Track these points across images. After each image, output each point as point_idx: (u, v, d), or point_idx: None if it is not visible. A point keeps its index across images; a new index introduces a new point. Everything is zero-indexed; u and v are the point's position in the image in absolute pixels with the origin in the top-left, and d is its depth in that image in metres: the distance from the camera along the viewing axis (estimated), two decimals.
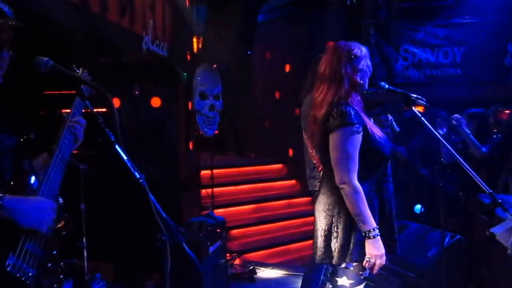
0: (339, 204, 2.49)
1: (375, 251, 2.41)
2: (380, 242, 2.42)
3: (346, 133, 2.42)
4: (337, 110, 2.45)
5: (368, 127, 2.49)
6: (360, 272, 2.53)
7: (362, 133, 2.45)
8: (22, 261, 1.57)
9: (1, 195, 1.55)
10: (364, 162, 2.46)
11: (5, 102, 1.80)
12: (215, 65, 7.12)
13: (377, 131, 2.54)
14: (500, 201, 2.50)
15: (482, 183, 2.50)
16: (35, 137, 1.82)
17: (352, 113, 2.43)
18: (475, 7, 7.66)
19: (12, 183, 1.66)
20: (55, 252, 1.75)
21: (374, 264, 2.43)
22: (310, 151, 3.78)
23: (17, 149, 1.73)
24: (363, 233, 2.41)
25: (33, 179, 1.78)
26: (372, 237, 2.40)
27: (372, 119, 2.72)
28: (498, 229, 2.81)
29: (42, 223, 1.65)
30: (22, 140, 1.76)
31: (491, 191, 2.51)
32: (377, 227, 2.42)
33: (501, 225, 2.82)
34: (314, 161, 3.74)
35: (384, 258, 2.44)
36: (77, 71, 2.12)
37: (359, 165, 2.44)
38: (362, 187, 2.44)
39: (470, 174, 2.53)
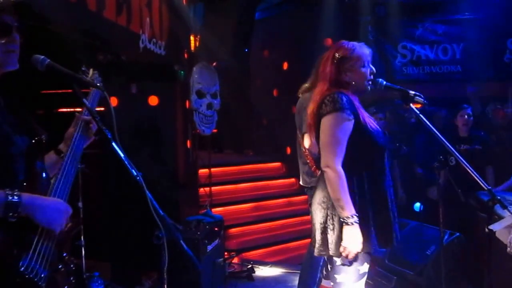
0: None
1: (352, 238, 2.42)
2: (358, 230, 2.42)
3: (337, 118, 2.46)
4: (329, 97, 2.50)
5: (360, 116, 2.50)
6: (358, 268, 2.53)
7: (353, 121, 2.47)
8: (35, 262, 1.58)
9: (19, 193, 1.56)
10: (358, 151, 2.49)
11: (17, 102, 1.79)
12: (214, 63, 7.09)
13: (370, 122, 2.54)
14: (499, 198, 2.49)
15: (481, 180, 2.50)
16: (47, 138, 1.82)
17: (344, 99, 2.48)
18: (474, 3, 7.65)
19: (25, 184, 1.66)
20: (65, 254, 1.75)
21: (351, 251, 2.43)
22: (303, 149, 3.79)
23: (29, 151, 1.72)
24: (341, 219, 2.42)
25: (43, 177, 1.78)
26: (349, 223, 2.41)
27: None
28: (497, 226, 2.80)
29: (57, 224, 1.66)
30: (34, 141, 1.75)
31: (489, 187, 2.50)
32: (356, 214, 2.42)
33: (500, 222, 2.81)
34: (308, 160, 3.76)
35: (361, 246, 2.43)
36: (87, 72, 2.14)
37: (353, 155, 2.47)
38: (356, 178, 2.48)
39: (469, 171, 2.53)
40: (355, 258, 2.46)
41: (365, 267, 2.56)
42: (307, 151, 3.75)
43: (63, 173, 1.79)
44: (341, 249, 2.44)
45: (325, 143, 2.50)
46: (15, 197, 1.54)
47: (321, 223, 2.55)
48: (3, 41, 1.68)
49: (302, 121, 3.73)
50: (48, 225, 1.63)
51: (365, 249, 2.47)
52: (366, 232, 2.46)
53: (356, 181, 2.49)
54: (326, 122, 2.50)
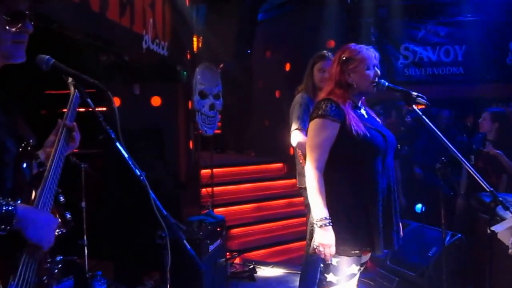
0: None
1: (322, 239, 2.46)
2: (328, 233, 2.45)
3: (317, 124, 2.55)
4: (318, 104, 2.60)
5: (347, 121, 2.51)
6: (346, 269, 2.54)
7: (337, 127, 2.51)
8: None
9: (14, 203, 1.42)
10: (344, 155, 2.53)
11: (10, 99, 1.69)
12: (221, 65, 7.10)
13: (359, 126, 2.52)
14: (501, 199, 2.49)
15: (483, 181, 2.50)
16: (35, 143, 1.72)
17: (329, 107, 2.52)
18: (477, 5, 7.65)
19: (12, 193, 1.54)
20: (44, 278, 1.59)
21: (324, 253, 2.47)
22: (297, 150, 3.83)
23: (18, 156, 1.62)
24: (315, 220, 2.48)
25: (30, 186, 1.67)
26: (319, 226, 2.46)
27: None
28: (499, 228, 2.79)
29: (45, 240, 1.52)
30: (23, 145, 1.64)
31: (491, 189, 2.50)
32: (328, 217, 2.45)
33: (502, 223, 2.80)
34: (301, 161, 3.80)
35: (333, 248, 2.46)
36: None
37: (338, 158, 2.52)
38: (339, 180, 2.51)
39: (472, 172, 2.53)
40: (332, 259, 2.51)
41: (354, 269, 2.56)
42: (299, 151, 3.80)
43: (46, 185, 1.63)
44: (316, 249, 2.51)
45: (307, 146, 2.60)
46: (10, 207, 1.40)
47: (310, 224, 2.60)
48: (13, 30, 1.55)
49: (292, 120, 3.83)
50: (38, 241, 1.49)
51: (343, 252, 2.50)
52: (341, 236, 2.48)
53: (337, 184, 2.52)
54: (310, 127, 2.60)
